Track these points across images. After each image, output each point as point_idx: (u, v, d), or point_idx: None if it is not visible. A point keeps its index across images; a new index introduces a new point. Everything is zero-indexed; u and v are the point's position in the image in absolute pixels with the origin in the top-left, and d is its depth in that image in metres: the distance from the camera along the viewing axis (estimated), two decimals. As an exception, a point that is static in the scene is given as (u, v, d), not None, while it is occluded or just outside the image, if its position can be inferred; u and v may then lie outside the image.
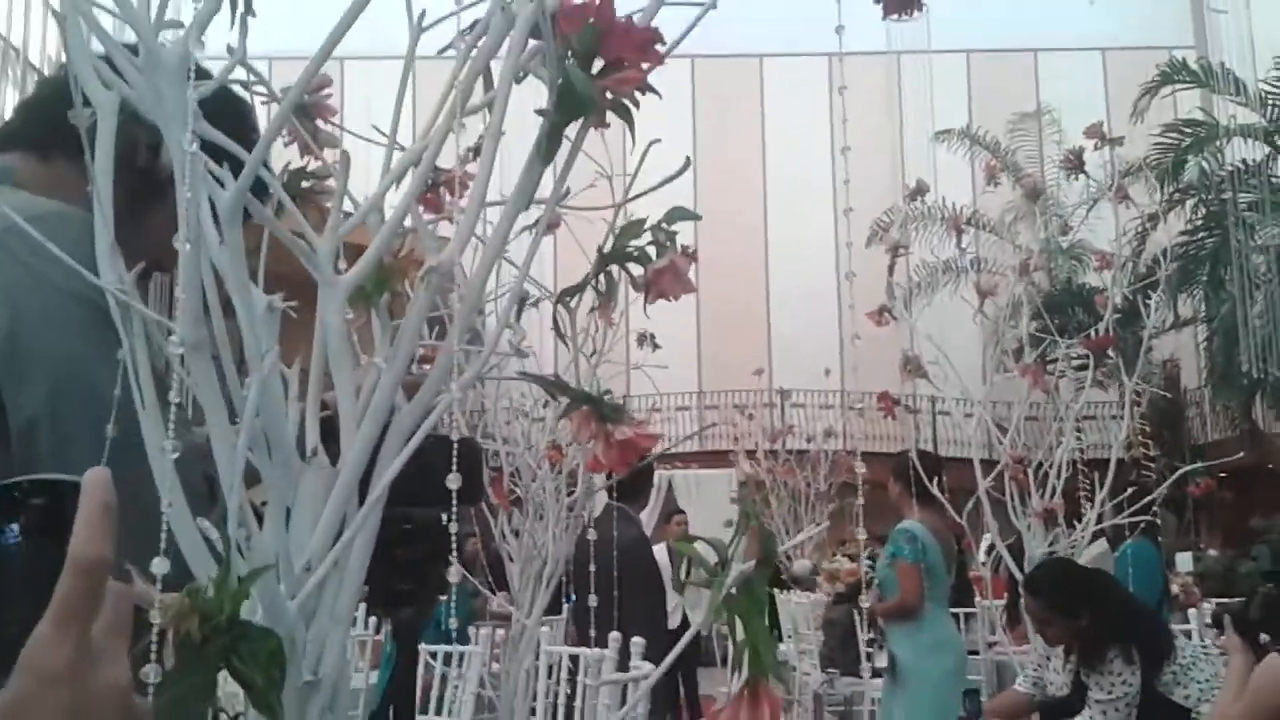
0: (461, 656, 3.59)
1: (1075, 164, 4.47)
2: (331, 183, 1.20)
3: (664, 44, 0.89)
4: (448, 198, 1.44)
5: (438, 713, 3.48)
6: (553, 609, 4.25)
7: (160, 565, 0.63)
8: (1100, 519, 4.63)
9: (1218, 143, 12.63)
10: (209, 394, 0.79)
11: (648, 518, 13.26)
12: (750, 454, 12.03)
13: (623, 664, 2.72)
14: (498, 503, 3.60)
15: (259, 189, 0.90)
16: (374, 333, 1.07)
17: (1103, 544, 5.44)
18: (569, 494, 3.80)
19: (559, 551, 3.67)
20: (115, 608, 0.50)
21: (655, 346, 4.26)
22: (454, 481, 0.90)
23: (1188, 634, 4.48)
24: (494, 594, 4.07)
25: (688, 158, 1.15)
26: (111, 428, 0.81)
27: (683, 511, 7.92)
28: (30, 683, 0.49)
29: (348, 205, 1.03)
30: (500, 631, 4.88)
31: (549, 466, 3.84)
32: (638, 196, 1.15)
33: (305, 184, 1.17)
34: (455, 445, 1.09)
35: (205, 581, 0.73)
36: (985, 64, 19.80)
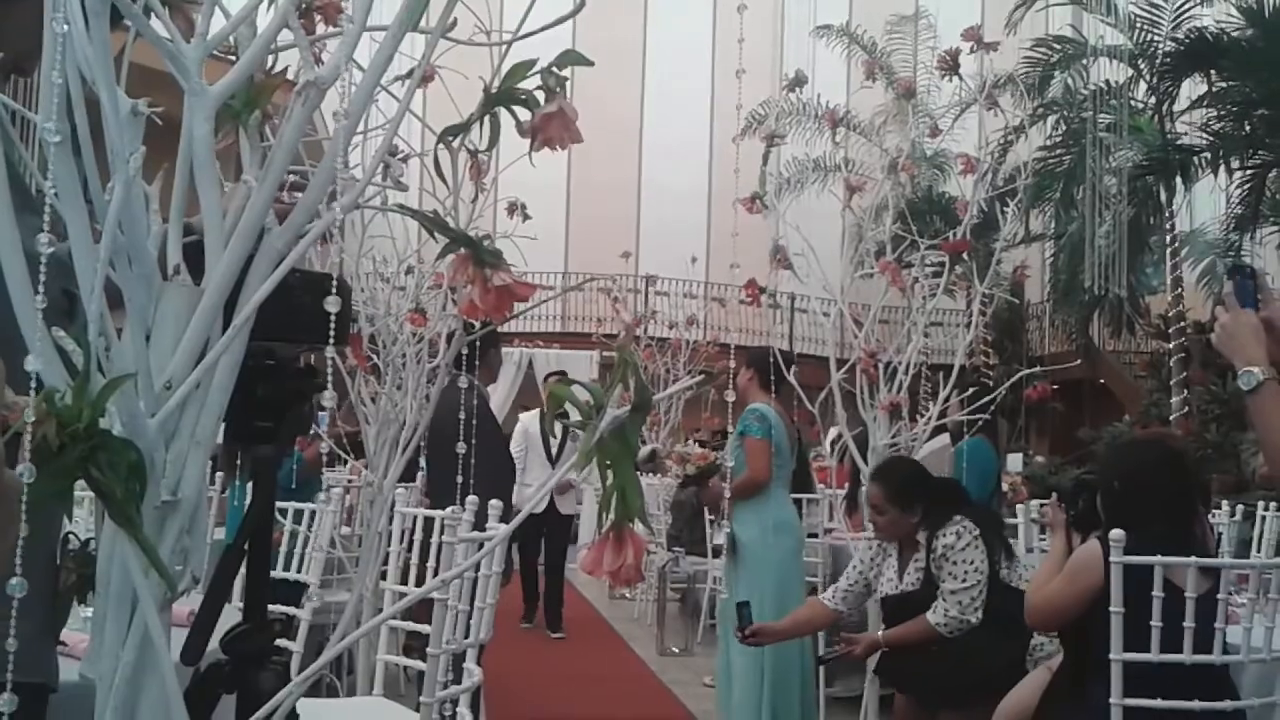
0: (311, 515, 3.56)
1: (951, 65, 4.53)
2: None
3: None
4: (322, 25, 1.37)
5: (285, 569, 3.46)
6: (407, 476, 4.22)
7: (34, 362, 0.60)
8: (944, 414, 4.82)
9: (1084, 61, 12.93)
10: (70, 192, 0.74)
11: (506, 393, 13.19)
12: (611, 338, 12.14)
13: (479, 529, 2.74)
14: (356, 363, 3.55)
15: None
16: (242, 152, 1.02)
17: (944, 438, 5.68)
18: (430, 361, 3.76)
19: (417, 418, 3.64)
20: None
21: (526, 216, 4.19)
22: (333, 304, 0.87)
23: (1015, 529, 4.74)
24: (348, 457, 4.03)
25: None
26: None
27: (562, 372, 7.74)
28: None
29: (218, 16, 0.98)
30: (349, 496, 4.86)
31: (410, 332, 3.79)
32: (528, 35, 1.12)
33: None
34: (328, 279, 1.06)
35: (63, 388, 0.70)
36: (868, -37, 19.78)
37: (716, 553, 6.62)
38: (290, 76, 1.13)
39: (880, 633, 4.01)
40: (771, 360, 4.72)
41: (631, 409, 0.90)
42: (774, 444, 4.61)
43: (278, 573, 3.36)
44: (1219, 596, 2.76)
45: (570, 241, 18.16)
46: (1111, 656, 2.72)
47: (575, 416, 0.92)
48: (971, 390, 5.18)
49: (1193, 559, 2.74)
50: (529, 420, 7.95)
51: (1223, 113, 12.35)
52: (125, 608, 0.80)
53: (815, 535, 5.71)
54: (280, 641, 2.82)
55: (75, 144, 0.77)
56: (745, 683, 4.54)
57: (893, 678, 4.09)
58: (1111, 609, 2.73)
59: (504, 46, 1.12)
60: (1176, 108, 12.96)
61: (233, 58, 0.99)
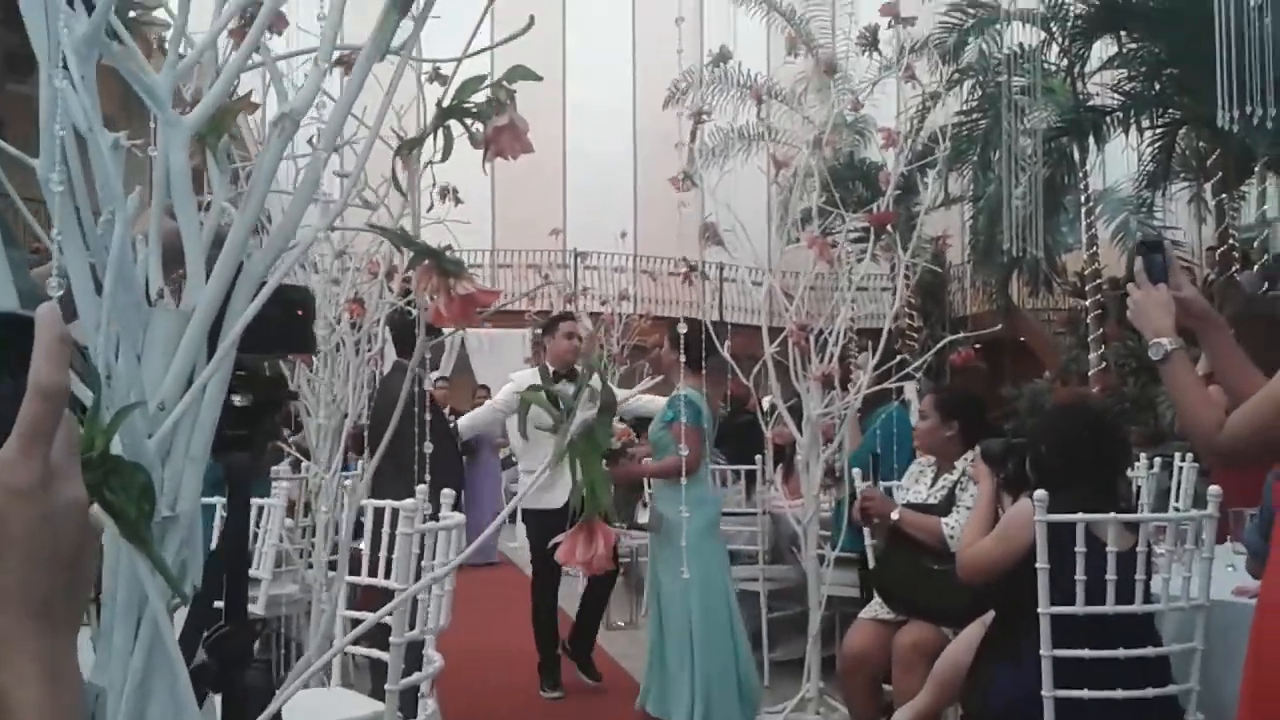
0: (259, 510, 3.57)
1: (870, 41, 4.62)
2: (159, 13, 1.16)
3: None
4: (268, 34, 1.40)
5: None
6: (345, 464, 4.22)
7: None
8: (875, 382, 4.94)
9: (998, 26, 13.15)
10: (68, 231, 0.78)
11: (440, 373, 13.05)
12: (543, 314, 12.19)
13: (434, 516, 2.78)
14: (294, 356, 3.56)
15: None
16: (211, 175, 1.06)
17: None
18: (369, 349, 3.78)
19: (358, 407, 3.66)
20: (69, 430, 0.53)
21: (458, 201, 4.21)
22: (322, 328, 0.91)
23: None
24: (287, 448, 4.03)
25: (531, 16, 1.16)
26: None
27: (570, 317, 5.95)
28: (1, 500, 0.52)
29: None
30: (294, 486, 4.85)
31: (349, 321, 3.80)
32: (477, 53, 1.17)
33: (132, 14, 1.13)
34: (294, 291, 1.11)
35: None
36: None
37: (639, 528, 6.20)
38: (251, 98, 1.17)
39: (898, 510, 4.16)
40: (688, 333, 4.71)
41: (598, 410, 0.96)
42: (703, 429, 4.69)
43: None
44: (1139, 550, 2.91)
45: (497, 222, 18.08)
46: (1040, 610, 2.86)
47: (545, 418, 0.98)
48: (898, 359, 5.30)
49: (1113, 515, 2.89)
50: (525, 380, 5.82)
51: (1133, 73, 12.67)
52: (132, 617, 0.85)
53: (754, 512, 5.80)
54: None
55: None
56: (677, 656, 4.61)
57: (883, 588, 4.19)
58: (1038, 565, 2.87)
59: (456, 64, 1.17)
60: (1088, 69, 13.24)
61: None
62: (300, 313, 1.26)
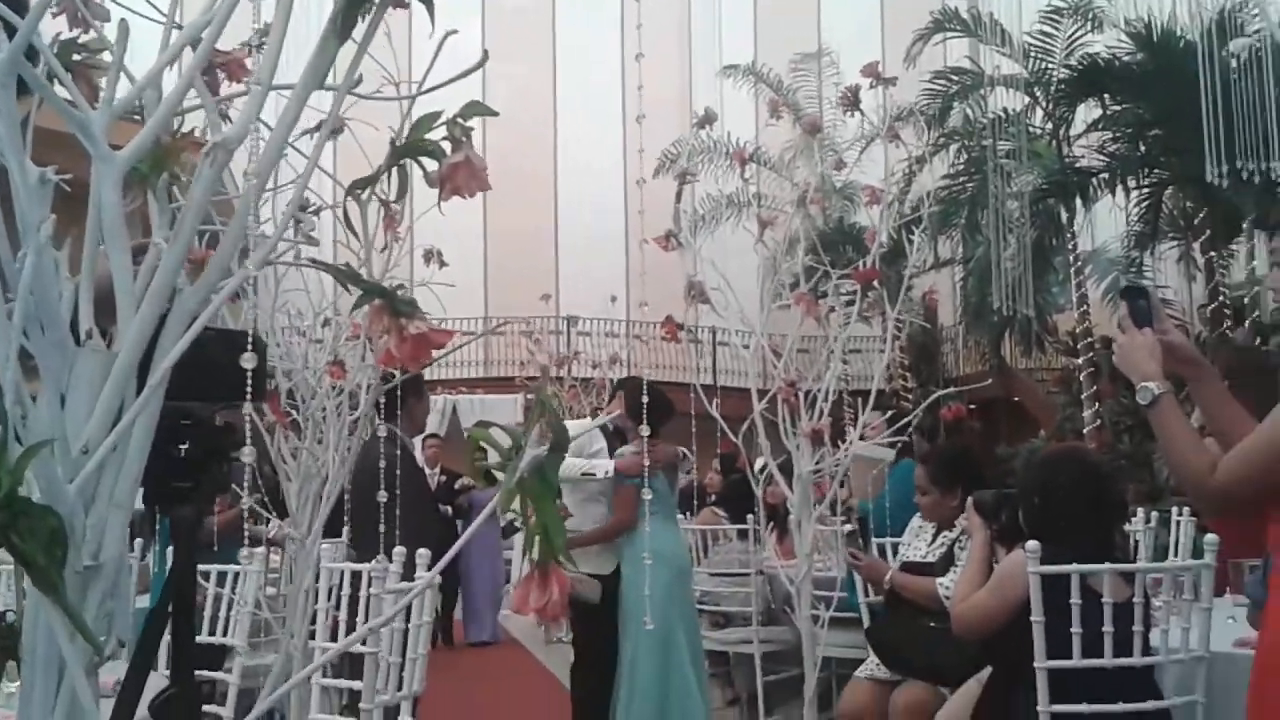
0: (235, 576, 3.50)
1: (852, 101, 4.64)
2: (104, 56, 1.14)
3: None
4: (226, 82, 1.38)
5: (210, 633, 3.39)
6: (332, 531, 4.16)
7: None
8: (863, 438, 4.90)
9: (982, 91, 13.30)
10: (-22, 263, 0.75)
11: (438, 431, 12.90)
12: (534, 380, 12.17)
13: (407, 578, 2.72)
14: (275, 420, 3.50)
15: (29, 59, 0.85)
16: (151, 214, 1.03)
17: (889, 453, 5.69)
18: (350, 413, 3.73)
19: (339, 471, 3.60)
20: None
21: (442, 264, 4.20)
22: (249, 361, 0.88)
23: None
24: (270, 515, 3.96)
25: (485, 51, 1.14)
26: None
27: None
28: None
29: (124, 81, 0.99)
30: (275, 556, 4.76)
31: (329, 385, 3.75)
32: (434, 89, 1.14)
33: (77, 57, 1.10)
34: (242, 336, 1.07)
35: (-24, 456, 0.70)
36: (771, 2, 20.23)
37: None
38: (197, 136, 1.14)
39: (891, 572, 4.15)
40: (634, 393, 4.82)
41: (549, 449, 0.92)
42: (651, 486, 4.68)
43: (201, 637, 3.29)
44: (1136, 601, 2.85)
45: (489, 287, 18.14)
46: (1036, 664, 2.79)
47: (494, 457, 0.93)
48: (890, 413, 5.28)
49: (1108, 565, 2.83)
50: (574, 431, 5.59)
51: (1117, 135, 12.77)
52: (53, 675, 0.80)
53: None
54: (210, 707, 2.75)
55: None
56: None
57: (881, 646, 4.18)
58: (1032, 618, 2.80)
59: (411, 100, 1.14)
60: (1073, 132, 13.36)
61: (138, 117, 1.00)
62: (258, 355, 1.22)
